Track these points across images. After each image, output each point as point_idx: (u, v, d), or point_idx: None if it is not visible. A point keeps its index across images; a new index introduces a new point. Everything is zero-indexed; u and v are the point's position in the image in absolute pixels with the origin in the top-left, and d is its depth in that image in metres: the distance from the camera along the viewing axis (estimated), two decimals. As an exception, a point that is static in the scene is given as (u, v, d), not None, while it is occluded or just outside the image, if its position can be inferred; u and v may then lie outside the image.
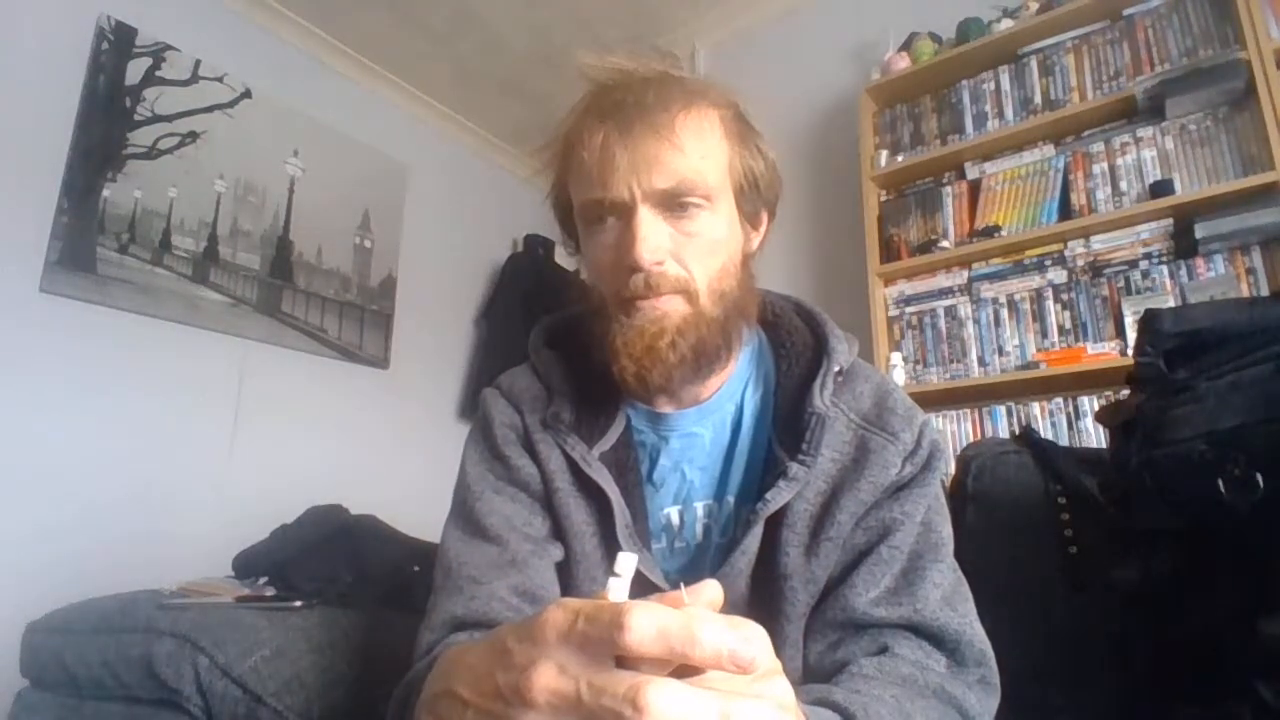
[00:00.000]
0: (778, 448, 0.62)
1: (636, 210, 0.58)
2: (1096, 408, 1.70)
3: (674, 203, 0.59)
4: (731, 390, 0.67)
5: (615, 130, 0.58)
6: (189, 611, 0.95)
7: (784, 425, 0.63)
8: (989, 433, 1.87)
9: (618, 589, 0.30)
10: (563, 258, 3.30)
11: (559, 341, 0.72)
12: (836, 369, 0.64)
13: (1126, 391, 0.81)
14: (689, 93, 0.61)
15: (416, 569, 1.15)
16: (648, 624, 0.27)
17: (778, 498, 0.59)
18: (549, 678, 0.29)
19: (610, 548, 0.62)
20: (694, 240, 0.59)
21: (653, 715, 0.26)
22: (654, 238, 0.57)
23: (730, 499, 0.66)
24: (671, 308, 0.59)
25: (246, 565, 1.21)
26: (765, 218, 0.69)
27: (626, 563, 0.31)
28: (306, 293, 2.68)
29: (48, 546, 1.88)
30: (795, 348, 0.67)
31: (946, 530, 0.63)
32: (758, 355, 0.70)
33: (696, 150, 0.59)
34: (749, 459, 0.66)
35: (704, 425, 0.66)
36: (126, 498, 2.06)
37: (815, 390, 0.62)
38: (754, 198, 0.65)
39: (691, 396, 0.66)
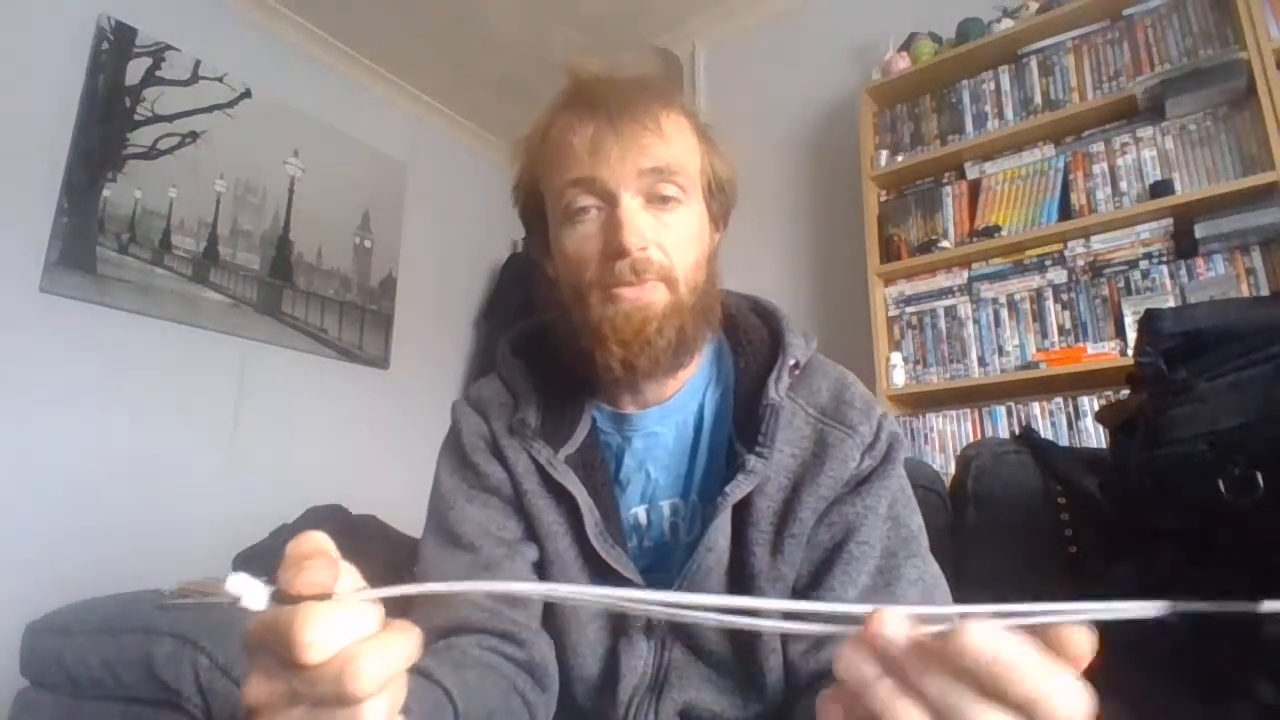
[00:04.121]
0: (737, 443, 0.63)
1: (621, 199, 0.59)
2: (1096, 408, 1.70)
3: (655, 193, 0.61)
4: (693, 390, 0.68)
5: (605, 119, 0.60)
6: (189, 611, 0.95)
7: (742, 420, 0.64)
8: (989, 433, 1.87)
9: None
10: (563, 258, 3.30)
11: (524, 350, 0.73)
12: (792, 362, 0.65)
13: (1126, 391, 0.81)
14: (665, 95, 0.65)
15: (416, 569, 1.15)
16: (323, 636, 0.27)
17: (736, 491, 0.60)
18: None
19: (583, 547, 0.63)
20: (673, 230, 0.61)
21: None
22: (640, 223, 0.59)
23: (695, 497, 0.67)
24: (655, 296, 0.60)
25: (247, 565, 1.21)
26: (722, 224, 0.71)
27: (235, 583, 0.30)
28: (306, 293, 2.68)
29: (48, 546, 1.88)
30: (753, 344, 0.68)
31: (916, 522, 0.63)
32: (717, 355, 0.71)
33: (678, 143, 0.62)
34: (711, 457, 0.67)
35: (665, 425, 0.67)
36: (126, 498, 2.06)
37: (770, 383, 0.63)
38: (721, 199, 0.68)
39: (654, 396, 0.67)
